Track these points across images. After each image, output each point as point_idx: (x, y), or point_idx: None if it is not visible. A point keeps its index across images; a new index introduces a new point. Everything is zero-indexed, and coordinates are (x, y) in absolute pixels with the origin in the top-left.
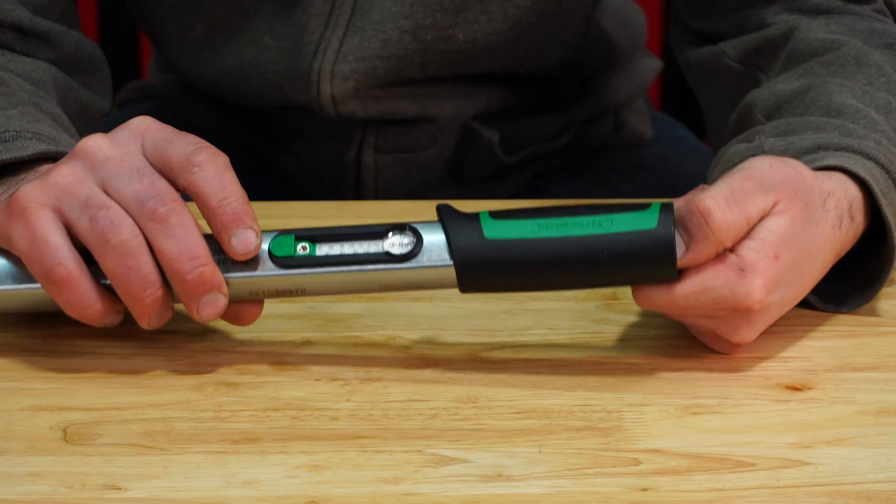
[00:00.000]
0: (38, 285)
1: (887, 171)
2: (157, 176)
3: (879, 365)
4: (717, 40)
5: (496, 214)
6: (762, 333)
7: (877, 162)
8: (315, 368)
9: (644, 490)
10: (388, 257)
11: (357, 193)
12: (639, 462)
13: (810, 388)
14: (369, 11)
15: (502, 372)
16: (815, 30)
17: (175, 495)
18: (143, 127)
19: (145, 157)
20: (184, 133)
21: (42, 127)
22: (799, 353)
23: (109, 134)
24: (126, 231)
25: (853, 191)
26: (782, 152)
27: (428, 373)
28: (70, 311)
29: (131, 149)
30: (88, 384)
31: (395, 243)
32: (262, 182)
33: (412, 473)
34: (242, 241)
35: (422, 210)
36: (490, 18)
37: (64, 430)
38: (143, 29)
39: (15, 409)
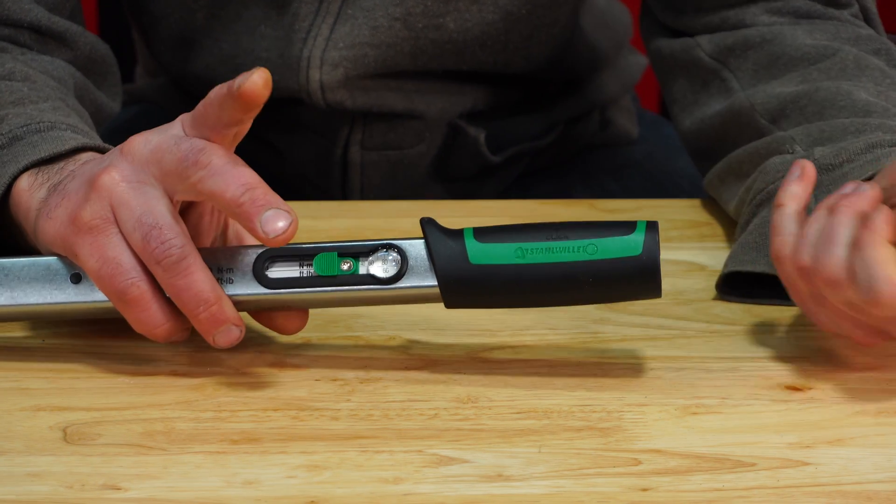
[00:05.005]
0: (100, 299)
1: None
2: (196, 140)
3: (879, 365)
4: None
5: (480, 234)
6: (762, 333)
7: None
8: (315, 368)
9: (644, 490)
10: (372, 279)
11: (343, 191)
12: (639, 462)
13: (810, 388)
14: None
15: (502, 372)
16: (800, 36)
17: (175, 495)
18: (179, 118)
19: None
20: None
21: (74, 120)
22: (799, 353)
23: (150, 130)
24: (176, 252)
25: None
26: (835, 157)
27: (428, 373)
28: (139, 329)
29: (173, 131)
30: (88, 384)
31: (380, 266)
32: None
33: (412, 473)
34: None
35: (417, 210)
36: (481, 9)
37: (64, 430)
38: (135, 26)
39: (15, 409)
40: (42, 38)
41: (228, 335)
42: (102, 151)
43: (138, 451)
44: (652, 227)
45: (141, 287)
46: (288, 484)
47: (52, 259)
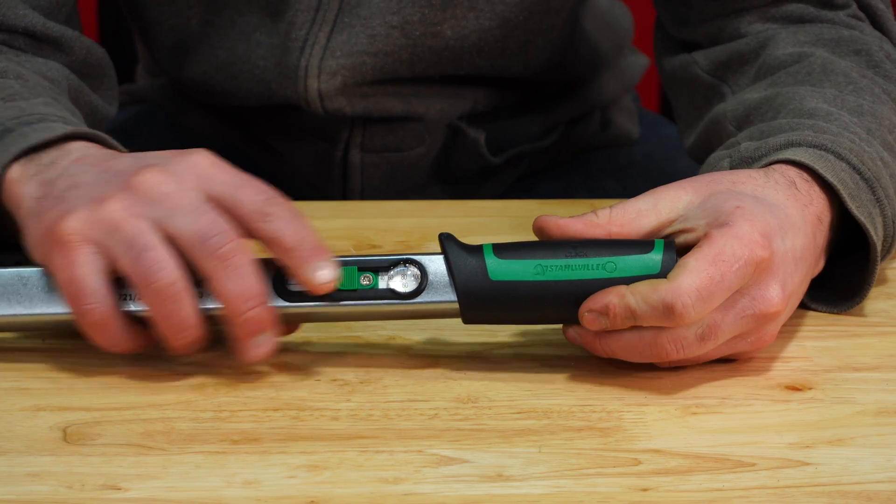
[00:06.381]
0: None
1: (858, 172)
2: (216, 213)
3: (879, 365)
4: (693, 49)
5: (500, 250)
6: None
7: (848, 162)
8: (315, 368)
9: (644, 490)
10: (392, 294)
11: (343, 193)
12: (639, 462)
13: (810, 388)
14: (357, 7)
15: (502, 372)
16: (783, 44)
17: (175, 495)
18: (207, 165)
19: (208, 196)
20: (250, 178)
21: (66, 115)
22: (799, 353)
23: (165, 167)
24: (167, 275)
25: (818, 197)
26: (755, 150)
27: (428, 373)
28: (99, 346)
29: (189, 184)
30: (88, 384)
31: (400, 280)
32: None
33: (412, 473)
34: (320, 272)
35: (416, 210)
36: (478, 15)
37: (64, 430)
38: (134, 29)
39: (15, 409)
40: (37, 44)
41: (265, 345)
42: (92, 139)
43: (138, 451)
44: (669, 246)
45: (101, 312)
46: (288, 484)
47: None
